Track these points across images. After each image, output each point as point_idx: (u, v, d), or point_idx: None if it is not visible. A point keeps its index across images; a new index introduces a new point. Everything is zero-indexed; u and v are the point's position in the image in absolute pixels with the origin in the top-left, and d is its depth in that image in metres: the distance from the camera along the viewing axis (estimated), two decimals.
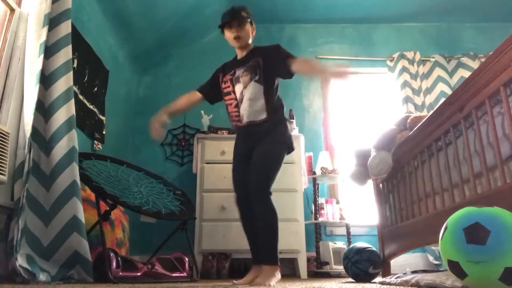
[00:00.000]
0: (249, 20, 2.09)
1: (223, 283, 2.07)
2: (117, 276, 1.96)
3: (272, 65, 2.02)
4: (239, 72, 2.08)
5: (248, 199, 1.92)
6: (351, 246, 2.22)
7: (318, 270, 3.01)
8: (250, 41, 2.11)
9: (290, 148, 2.07)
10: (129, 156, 3.59)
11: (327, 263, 3.00)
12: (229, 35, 2.08)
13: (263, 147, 1.97)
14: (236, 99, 2.08)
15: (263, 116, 2.00)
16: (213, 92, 2.21)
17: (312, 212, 3.29)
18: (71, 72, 2.10)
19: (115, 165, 2.50)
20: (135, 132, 3.82)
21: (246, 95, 2.02)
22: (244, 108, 2.03)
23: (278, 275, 1.82)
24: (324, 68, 1.76)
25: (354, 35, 4.19)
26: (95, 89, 2.96)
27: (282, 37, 4.17)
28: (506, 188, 1.22)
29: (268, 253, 1.84)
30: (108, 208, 2.12)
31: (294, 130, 3.39)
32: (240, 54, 2.15)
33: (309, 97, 3.97)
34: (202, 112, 3.49)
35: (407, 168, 2.07)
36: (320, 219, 3.15)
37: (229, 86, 2.11)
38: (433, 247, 3.22)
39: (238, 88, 2.07)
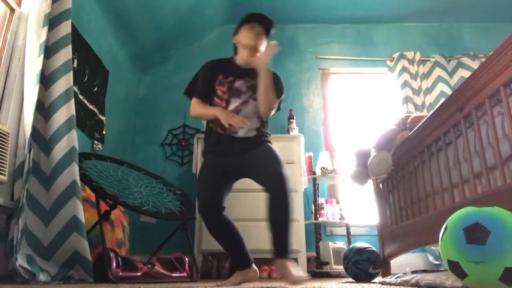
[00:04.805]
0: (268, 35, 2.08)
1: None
2: (117, 276, 1.96)
3: None
4: (239, 84, 1.96)
5: (221, 212, 1.85)
6: (351, 246, 2.22)
7: (318, 270, 3.01)
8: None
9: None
10: (129, 156, 3.59)
11: (327, 263, 3.00)
12: (250, 36, 1.99)
13: (261, 151, 1.89)
14: (226, 107, 1.93)
15: (255, 133, 1.93)
16: (208, 95, 2.01)
17: (312, 212, 3.29)
18: (71, 72, 2.11)
19: (115, 165, 2.51)
20: (135, 132, 3.82)
21: (243, 111, 1.91)
22: None
23: None
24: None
25: (354, 35, 4.19)
26: (95, 89, 2.95)
27: (282, 37, 4.16)
28: (506, 188, 1.22)
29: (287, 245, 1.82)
30: (108, 208, 2.13)
31: (294, 130, 3.40)
32: (243, 62, 2.00)
33: (309, 97, 3.97)
34: None
35: (407, 168, 2.06)
36: (320, 219, 3.15)
37: (225, 93, 1.96)
38: (433, 247, 3.22)
39: (235, 101, 1.94)
